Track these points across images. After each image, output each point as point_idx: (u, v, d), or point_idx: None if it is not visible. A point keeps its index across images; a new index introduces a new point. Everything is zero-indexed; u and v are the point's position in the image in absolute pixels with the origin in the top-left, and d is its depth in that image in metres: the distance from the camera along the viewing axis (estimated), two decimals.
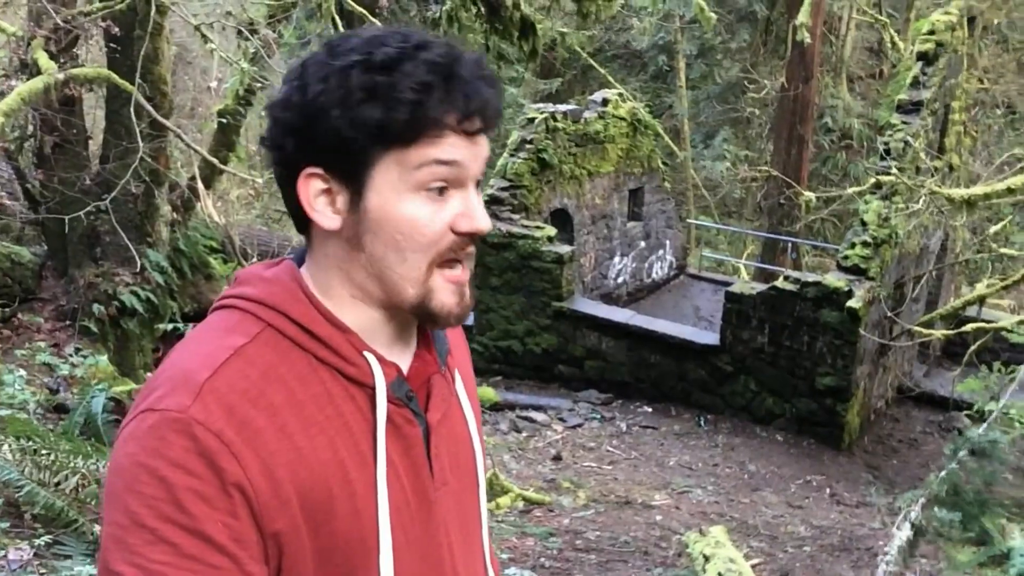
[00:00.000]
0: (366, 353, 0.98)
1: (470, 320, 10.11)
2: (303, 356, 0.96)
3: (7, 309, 6.47)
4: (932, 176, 7.89)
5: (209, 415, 0.88)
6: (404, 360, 1.04)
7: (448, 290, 0.98)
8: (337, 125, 0.92)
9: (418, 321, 1.02)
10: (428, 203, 0.95)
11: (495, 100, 0.97)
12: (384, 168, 0.93)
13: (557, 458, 7.64)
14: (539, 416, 8.83)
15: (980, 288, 8.25)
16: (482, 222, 0.97)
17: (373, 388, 0.98)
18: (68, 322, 6.70)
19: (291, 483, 0.90)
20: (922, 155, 8.09)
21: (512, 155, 10.04)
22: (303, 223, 1.00)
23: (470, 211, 0.96)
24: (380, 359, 0.99)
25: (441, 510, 1.04)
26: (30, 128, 6.84)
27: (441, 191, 0.95)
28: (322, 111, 0.92)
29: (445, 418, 1.07)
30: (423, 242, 0.95)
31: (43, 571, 2.86)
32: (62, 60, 6.30)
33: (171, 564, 0.84)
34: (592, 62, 18.99)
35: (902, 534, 3.22)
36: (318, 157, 0.95)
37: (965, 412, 7.60)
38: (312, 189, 0.96)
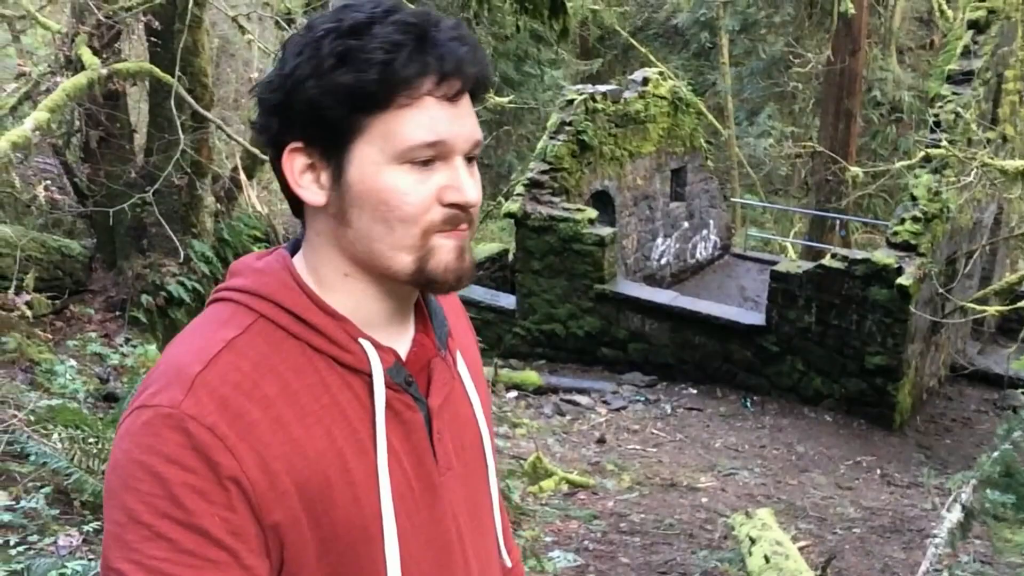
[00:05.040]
0: (362, 340, 0.97)
1: (512, 304, 10.11)
2: (297, 345, 0.95)
3: (59, 301, 6.62)
4: (985, 148, 7.65)
5: (202, 409, 0.87)
6: (402, 345, 1.03)
7: (447, 247, 0.96)
8: (311, 95, 0.91)
9: (417, 288, 0.99)
10: (411, 174, 0.92)
11: (474, 62, 0.94)
12: (365, 139, 0.92)
13: (601, 441, 7.61)
14: (583, 399, 8.80)
15: None
16: (470, 194, 0.94)
17: (370, 375, 0.97)
18: (118, 313, 6.84)
19: (288, 474, 0.89)
20: (973, 126, 7.84)
21: (552, 137, 9.97)
22: (296, 204, 0.99)
23: (456, 183, 0.94)
24: (376, 345, 0.98)
25: (447, 494, 1.03)
26: (76, 123, 6.98)
27: (426, 162, 0.93)
28: (298, 83, 0.91)
29: (447, 402, 1.06)
30: (409, 212, 0.93)
31: (92, 557, 2.93)
32: (105, 55, 6.41)
33: (169, 560, 0.84)
34: (633, 41, 18.80)
35: (952, 516, 3.14)
36: (299, 132, 0.94)
37: (1021, 390, 7.40)
38: (296, 165, 0.95)
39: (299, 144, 0.94)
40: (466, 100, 0.95)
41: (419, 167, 0.92)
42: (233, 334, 0.93)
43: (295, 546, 0.91)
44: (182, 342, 0.96)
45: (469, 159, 0.97)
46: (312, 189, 0.95)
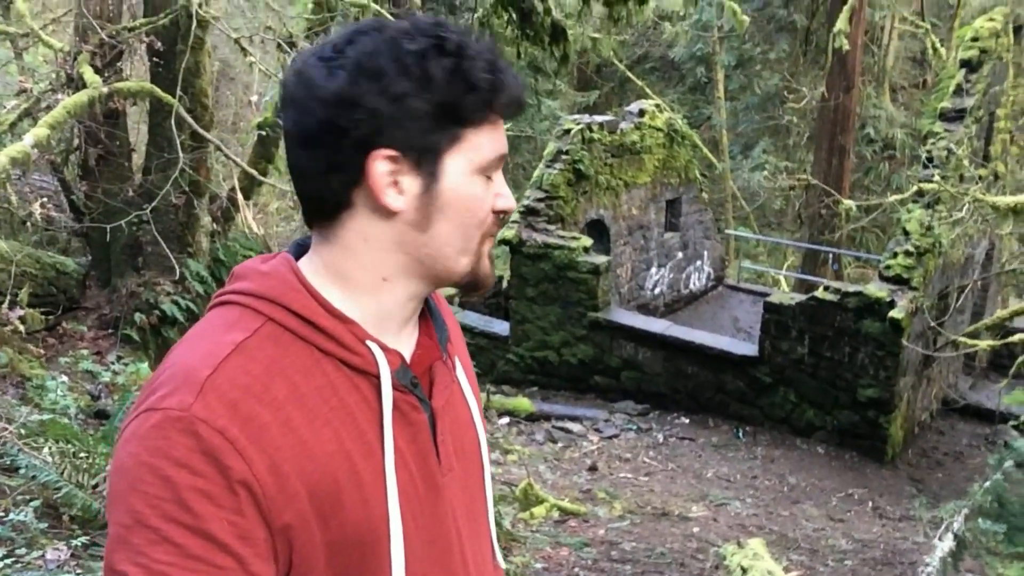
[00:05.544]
0: (369, 342, 0.98)
1: (506, 330, 10.11)
2: (305, 348, 0.95)
3: (52, 317, 6.60)
4: (977, 184, 7.73)
5: (212, 413, 0.87)
6: (407, 348, 1.05)
7: (487, 256, 1.05)
8: (418, 107, 0.94)
9: (460, 289, 1.07)
10: (483, 184, 1.01)
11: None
12: (458, 150, 0.98)
13: (593, 469, 7.58)
14: (575, 427, 8.78)
15: None
16: (512, 202, 1.05)
17: (377, 376, 0.98)
18: (111, 330, 6.81)
19: (298, 477, 0.89)
20: (966, 163, 7.92)
21: (548, 166, 10.04)
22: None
23: (505, 191, 1.04)
24: (383, 347, 0.99)
25: (448, 495, 1.04)
26: (75, 141, 6.99)
27: (491, 173, 1.02)
28: (404, 95, 0.93)
29: (448, 404, 1.07)
30: (481, 218, 1.01)
31: (79, 571, 2.91)
32: (107, 74, 6.44)
33: (175, 564, 0.84)
34: (630, 74, 19.00)
35: (944, 546, 3.14)
36: (392, 140, 0.94)
37: (1012, 424, 7.41)
38: (387, 170, 0.96)
39: (391, 152, 0.95)
40: None
41: (486, 178, 1.01)
42: (242, 337, 0.93)
43: (304, 548, 0.91)
44: (189, 345, 0.95)
45: None
46: (392, 195, 0.96)
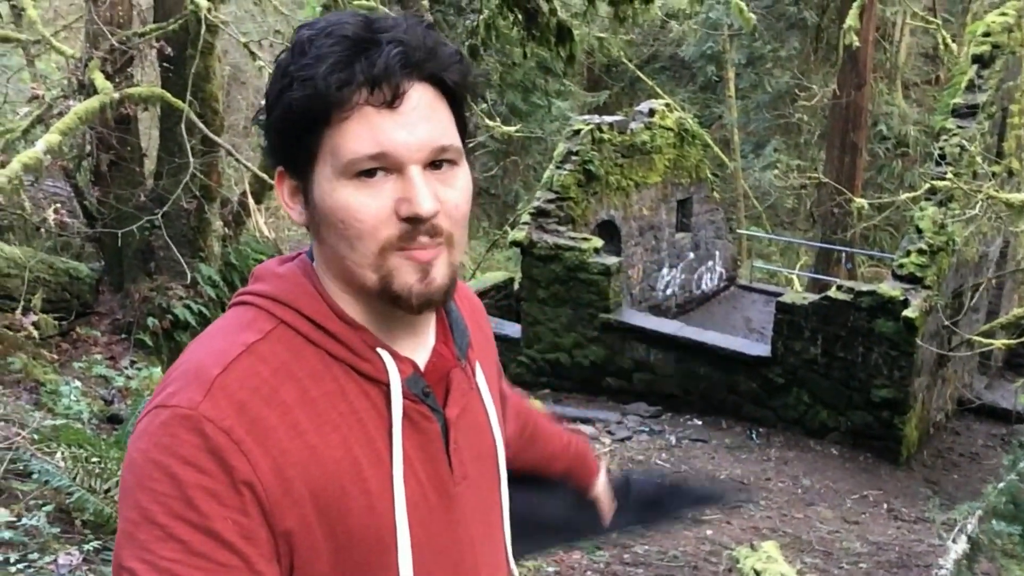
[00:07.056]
0: (380, 350, 0.97)
1: (518, 332, 10.10)
2: (317, 353, 0.95)
3: (65, 323, 6.64)
4: (990, 181, 7.67)
5: (219, 412, 0.87)
6: (421, 355, 1.03)
7: (409, 268, 0.93)
8: (273, 118, 0.93)
9: (386, 305, 0.97)
10: (361, 189, 0.91)
11: (410, 64, 0.91)
12: (320, 158, 0.92)
13: (605, 471, 7.56)
14: (587, 429, 8.76)
15: None
16: (421, 206, 0.90)
17: (388, 385, 0.97)
18: (124, 335, 6.86)
19: (302, 481, 0.89)
20: (979, 159, 7.86)
21: (558, 167, 10.02)
22: None
23: (408, 194, 0.91)
24: (395, 355, 0.98)
25: (461, 503, 1.03)
26: (87, 147, 7.04)
27: (369, 174, 0.90)
28: (269, 110, 0.94)
29: (465, 412, 1.06)
30: (362, 229, 0.91)
31: None
32: (118, 80, 6.49)
33: (180, 561, 0.84)
34: (640, 74, 18.97)
35: (958, 547, 3.11)
36: (278, 157, 0.97)
37: None
38: (286, 187, 0.98)
39: (280, 168, 0.97)
40: (418, 104, 0.91)
41: (368, 181, 0.90)
42: (254, 338, 0.93)
43: (306, 554, 0.90)
44: (203, 343, 0.96)
45: (437, 165, 0.93)
46: (297, 209, 0.98)
